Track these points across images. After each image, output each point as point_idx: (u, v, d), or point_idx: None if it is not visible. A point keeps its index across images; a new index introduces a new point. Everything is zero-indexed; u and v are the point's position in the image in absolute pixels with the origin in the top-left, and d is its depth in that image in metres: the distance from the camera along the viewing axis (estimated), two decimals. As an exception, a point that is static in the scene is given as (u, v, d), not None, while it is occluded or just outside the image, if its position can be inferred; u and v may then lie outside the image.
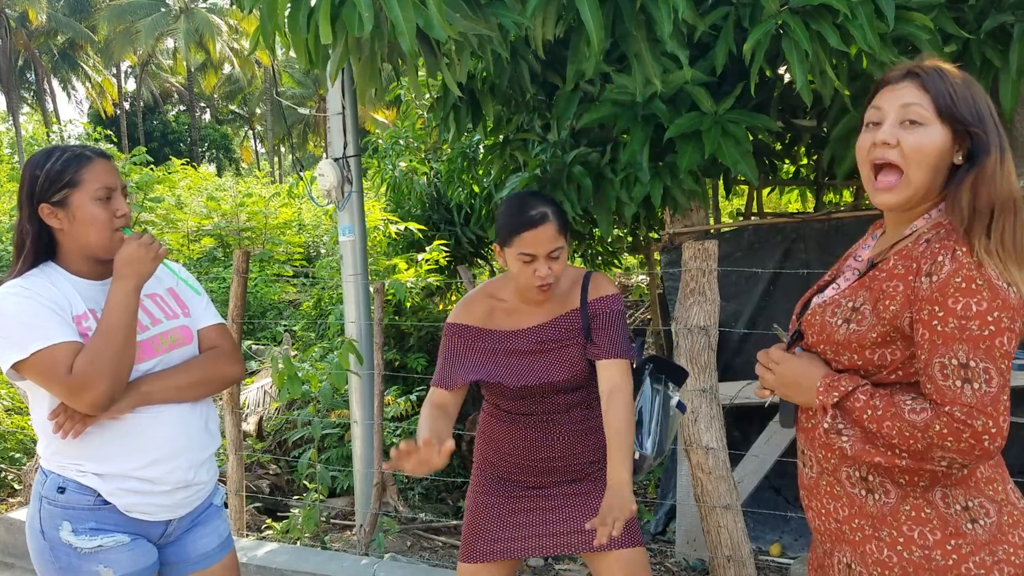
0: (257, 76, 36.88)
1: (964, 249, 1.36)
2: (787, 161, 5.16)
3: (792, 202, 9.34)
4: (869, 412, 1.41)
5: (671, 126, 3.39)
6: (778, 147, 4.83)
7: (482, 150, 5.63)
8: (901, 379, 1.46)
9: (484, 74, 3.82)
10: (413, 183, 6.36)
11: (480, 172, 5.58)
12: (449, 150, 5.95)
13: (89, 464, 1.80)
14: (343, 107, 3.59)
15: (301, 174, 4.75)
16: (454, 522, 4.41)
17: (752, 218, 5.65)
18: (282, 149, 42.71)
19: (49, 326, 1.73)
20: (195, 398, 1.93)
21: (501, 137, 4.63)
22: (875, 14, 2.77)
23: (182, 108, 40.31)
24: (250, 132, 45.25)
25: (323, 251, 12.88)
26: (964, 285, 1.34)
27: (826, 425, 1.45)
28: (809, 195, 6.50)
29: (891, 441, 1.38)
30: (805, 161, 5.91)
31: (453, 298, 6.30)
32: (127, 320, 1.77)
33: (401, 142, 6.75)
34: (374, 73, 2.60)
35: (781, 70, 3.99)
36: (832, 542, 1.56)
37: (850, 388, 1.44)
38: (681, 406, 2.38)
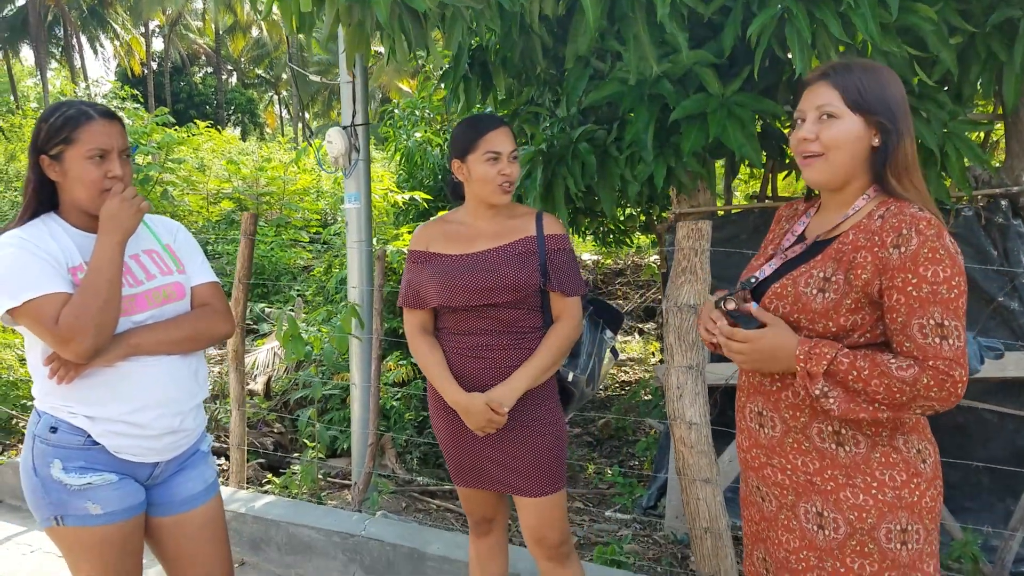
0: (284, 40, 36.83)
1: (925, 223, 1.55)
2: (801, 146, 5.15)
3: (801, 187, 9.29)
4: (855, 373, 1.56)
5: (677, 107, 3.42)
6: (788, 131, 4.83)
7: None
8: (869, 341, 1.62)
9: (496, 46, 3.86)
10: (427, 154, 6.41)
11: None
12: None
13: (80, 407, 1.89)
14: (353, 76, 3.65)
15: (311, 141, 4.79)
16: (448, 486, 4.51)
17: (767, 201, 5.65)
18: (306, 115, 42.76)
19: (41, 276, 1.81)
20: (184, 351, 2.01)
21: (510, 110, 4.66)
22: (879, 3, 2.77)
23: (209, 70, 40.35)
24: (275, 97, 45.31)
25: (339, 218, 12.97)
26: (931, 255, 1.53)
27: (817, 391, 1.58)
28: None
29: (875, 397, 1.55)
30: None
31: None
32: (111, 274, 1.83)
33: (417, 112, 6.79)
34: (362, 39, 2.64)
35: (789, 55, 4.00)
36: (798, 495, 1.69)
37: (832, 354, 1.58)
38: (614, 352, 2.54)
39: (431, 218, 2.48)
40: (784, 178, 7.18)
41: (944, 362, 1.51)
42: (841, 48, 3.10)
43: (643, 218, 7.09)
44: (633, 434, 5.91)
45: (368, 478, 3.47)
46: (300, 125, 40.81)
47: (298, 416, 4.75)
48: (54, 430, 1.89)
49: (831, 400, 1.58)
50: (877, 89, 1.63)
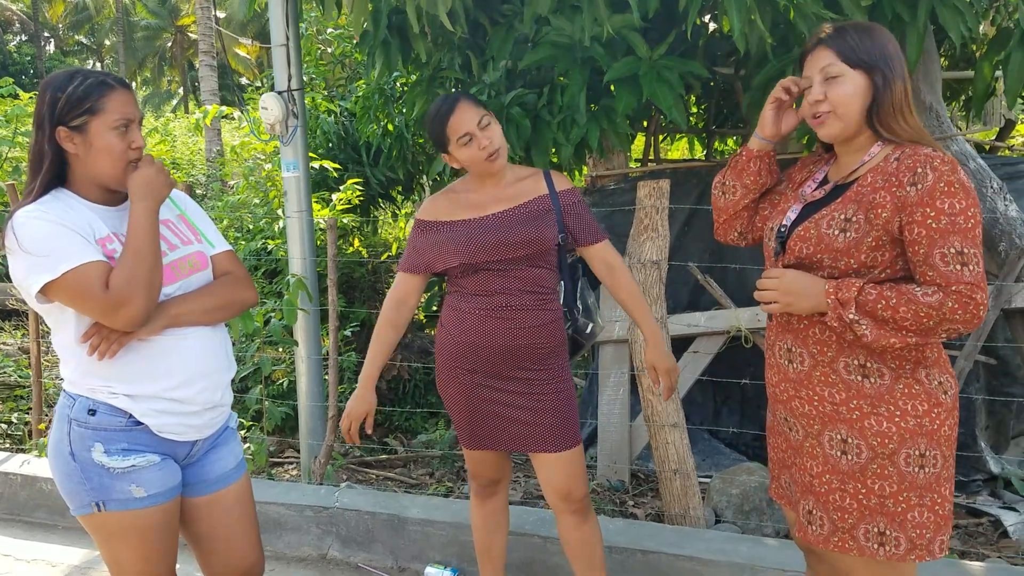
0: (109, 5, 34.19)
1: (939, 160, 1.67)
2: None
3: (677, 150, 9.71)
4: (883, 303, 1.67)
5: (609, 70, 3.52)
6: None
7: (399, 87, 5.60)
8: (889, 276, 1.74)
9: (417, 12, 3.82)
10: (318, 121, 6.23)
11: (398, 110, 5.54)
12: (364, 87, 5.86)
13: (120, 386, 1.80)
14: (287, 38, 3.52)
15: (245, 107, 4.56)
16: (384, 456, 4.51)
17: (649, 164, 5.90)
18: (133, 84, 40.07)
19: (76, 247, 1.71)
20: (217, 321, 1.95)
21: (425, 74, 4.62)
22: (806, -34, 2.97)
23: (24, 38, 36.97)
24: (99, 64, 42.13)
25: (199, 191, 12.37)
26: (946, 188, 1.65)
27: (851, 316, 1.69)
28: (697, 143, 6.82)
29: (904, 324, 1.67)
30: (695, 110, 6.21)
31: (364, 239, 6.29)
32: (152, 239, 1.77)
33: (303, 77, 6.57)
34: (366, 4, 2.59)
35: (706, 18, 4.20)
36: (823, 423, 1.82)
37: (859, 283, 1.70)
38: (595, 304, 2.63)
39: (439, 190, 2.46)
40: (663, 141, 7.51)
41: (966, 286, 1.63)
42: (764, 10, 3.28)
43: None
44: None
45: (330, 450, 3.43)
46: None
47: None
48: (92, 412, 1.79)
49: (863, 327, 1.68)
50: (870, 45, 1.76)
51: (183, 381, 1.85)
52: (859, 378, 1.77)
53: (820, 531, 1.83)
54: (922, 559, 1.76)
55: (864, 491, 1.77)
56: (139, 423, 1.82)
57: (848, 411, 1.78)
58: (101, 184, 1.83)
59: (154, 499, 1.82)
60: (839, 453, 1.79)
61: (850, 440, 1.77)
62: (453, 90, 4.41)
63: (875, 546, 1.77)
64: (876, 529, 1.76)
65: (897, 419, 1.74)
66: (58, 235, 1.71)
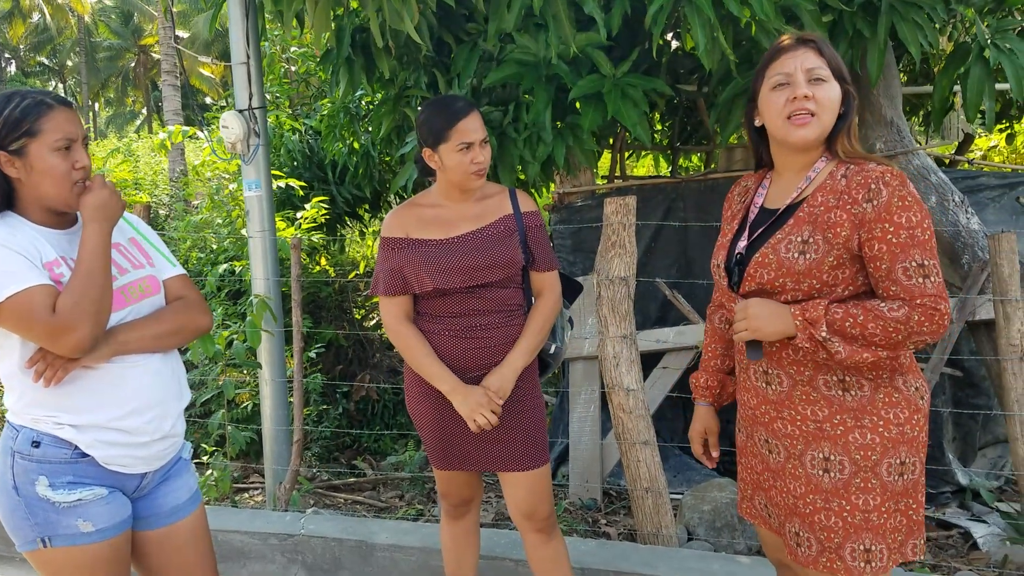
0: (71, 26, 33.81)
1: (890, 175, 1.68)
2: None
3: (643, 167, 9.77)
4: (850, 320, 1.67)
5: (574, 87, 3.52)
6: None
7: (364, 105, 5.56)
8: (852, 293, 1.74)
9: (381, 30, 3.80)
10: (283, 139, 6.17)
11: (364, 128, 5.50)
12: (329, 105, 5.82)
13: (66, 416, 1.73)
14: (247, 56, 3.46)
15: (206, 127, 4.50)
16: (352, 479, 4.44)
17: (615, 180, 5.91)
18: (96, 105, 39.61)
19: (21, 270, 1.65)
20: (169, 348, 1.89)
21: (392, 92, 4.60)
22: (772, -17, 2.99)
23: (-17, 58, 36.47)
24: (60, 86, 41.60)
25: (162, 212, 12.22)
26: (900, 203, 1.66)
27: (823, 335, 1.68)
28: (662, 160, 6.85)
29: (873, 339, 1.67)
30: (660, 127, 6.25)
31: (330, 258, 6.22)
32: (104, 263, 1.72)
33: (267, 95, 6.52)
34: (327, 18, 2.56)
35: (668, 36, 4.22)
36: (807, 443, 1.80)
37: (824, 303, 1.70)
38: (570, 322, 2.62)
39: (398, 206, 2.41)
40: (628, 157, 7.52)
41: (930, 299, 1.64)
42: (726, 28, 3.30)
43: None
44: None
45: (295, 475, 3.35)
46: (91, 114, 37.75)
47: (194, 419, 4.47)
48: (36, 444, 1.72)
49: (836, 345, 1.67)
50: (843, 63, 1.79)
51: (131, 411, 1.79)
52: (840, 392, 1.77)
53: (809, 552, 1.81)
54: (896, 563, 1.76)
55: (849, 508, 1.75)
56: (85, 455, 1.75)
57: (832, 427, 1.77)
58: (48, 207, 1.77)
59: (102, 534, 1.75)
60: (821, 472, 1.77)
61: (832, 457, 1.76)
62: (419, 109, 4.39)
63: (862, 564, 1.75)
64: (862, 547, 1.75)
65: (880, 429, 1.74)
66: (2, 258, 1.65)
